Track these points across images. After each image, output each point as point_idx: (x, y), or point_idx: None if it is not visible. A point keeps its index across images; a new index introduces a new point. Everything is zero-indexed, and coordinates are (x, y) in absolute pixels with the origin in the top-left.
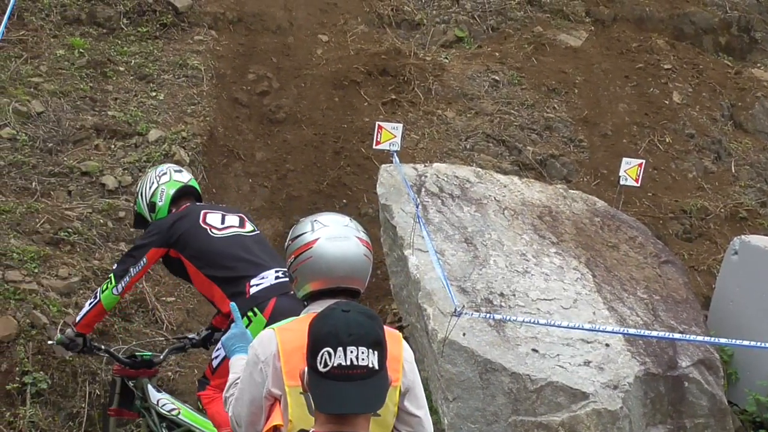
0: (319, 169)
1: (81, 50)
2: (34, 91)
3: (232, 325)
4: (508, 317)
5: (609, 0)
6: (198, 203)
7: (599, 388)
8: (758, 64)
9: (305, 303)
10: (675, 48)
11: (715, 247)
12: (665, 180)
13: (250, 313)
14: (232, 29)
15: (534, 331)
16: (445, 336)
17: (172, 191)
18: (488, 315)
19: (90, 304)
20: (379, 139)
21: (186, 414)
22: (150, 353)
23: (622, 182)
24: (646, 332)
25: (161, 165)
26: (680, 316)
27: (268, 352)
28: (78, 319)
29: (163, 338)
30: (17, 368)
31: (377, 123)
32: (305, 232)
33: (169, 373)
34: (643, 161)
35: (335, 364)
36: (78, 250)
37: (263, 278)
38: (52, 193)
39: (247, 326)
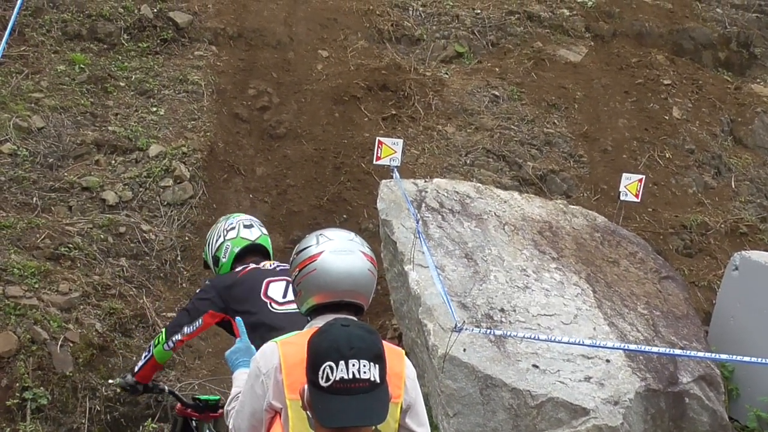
0: (320, 184)
1: (82, 66)
2: (35, 107)
3: (237, 340)
4: (508, 333)
5: (608, 15)
6: (262, 264)
7: (600, 404)
8: (758, 80)
9: (308, 318)
10: (675, 63)
11: (715, 263)
12: (665, 195)
13: None
14: (232, 45)
15: (534, 346)
16: (446, 351)
17: (237, 249)
18: (489, 330)
19: (145, 357)
20: (379, 155)
21: None
22: (216, 397)
23: (622, 197)
24: (647, 348)
25: (233, 217)
26: (681, 332)
27: (270, 365)
28: (136, 369)
29: None
30: (17, 384)
31: (377, 138)
32: (310, 245)
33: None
34: (643, 176)
35: (337, 378)
36: (78, 265)
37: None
38: (52, 208)
39: None
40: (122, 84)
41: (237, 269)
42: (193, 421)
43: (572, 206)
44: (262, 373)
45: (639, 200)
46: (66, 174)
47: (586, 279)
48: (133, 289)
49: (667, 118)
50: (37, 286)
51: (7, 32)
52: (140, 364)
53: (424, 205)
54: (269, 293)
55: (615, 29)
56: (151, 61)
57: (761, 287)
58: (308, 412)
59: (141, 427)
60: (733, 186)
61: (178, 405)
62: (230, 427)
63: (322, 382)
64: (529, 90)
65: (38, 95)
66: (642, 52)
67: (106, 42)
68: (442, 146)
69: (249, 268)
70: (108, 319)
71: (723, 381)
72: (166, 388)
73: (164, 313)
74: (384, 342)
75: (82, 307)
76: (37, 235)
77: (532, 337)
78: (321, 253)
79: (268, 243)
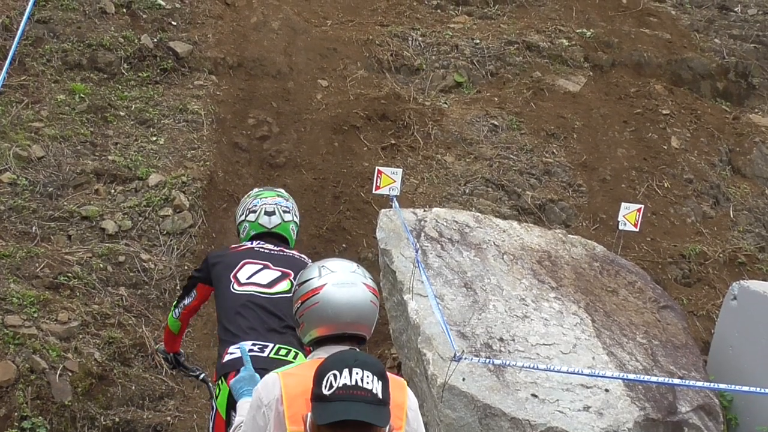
0: (319, 213)
1: (82, 95)
2: (35, 136)
3: (242, 368)
4: (507, 362)
5: (607, 45)
6: (260, 246)
7: None
8: (756, 110)
9: (312, 348)
10: (673, 93)
11: (714, 292)
12: (664, 225)
13: (219, 381)
14: (232, 74)
15: (533, 376)
16: (445, 381)
17: (252, 232)
18: (488, 360)
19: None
20: (378, 184)
21: None
22: None
23: (621, 227)
24: (646, 377)
25: (260, 197)
26: (680, 362)
27: (271, 396)
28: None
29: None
30: (16, 413)
31: (377, 168)
32: (312, 278)
33: (168, 418)
34: (642, 206)
35: (340, 385)
36: (78, 294)
37: (239, 348)
38: (52, 237)
39: (217, 394)
40: (122, 113)
41: (233, 245)
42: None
43: (571, 236)
44: (264, 404)
45: (638, 230)
46: (65, 203)
47: (585, 308)
48: (132, 319)
49: (665, 147)
50: (36, 315)
51: (7, 62)
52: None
53: (423, 234)
54: (238, 273)
55: (614, 59)
56: (151, 91)
57: (760, 317)
58: None
59: None
60: (732, 216)
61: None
62: None
63: (325, 390)
64: (528, 119)
65: (38, 124)
66: (641, 82)
67: (107, 71)
68: (441, 175)
69: (243, 247)
70: (107, 348)
71: (722, 410)
72: (203, 375)
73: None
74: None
75: (81, 336)
76: (37, 264)
77: (531, 366)
78: (323, 285)
79: (287, 230)
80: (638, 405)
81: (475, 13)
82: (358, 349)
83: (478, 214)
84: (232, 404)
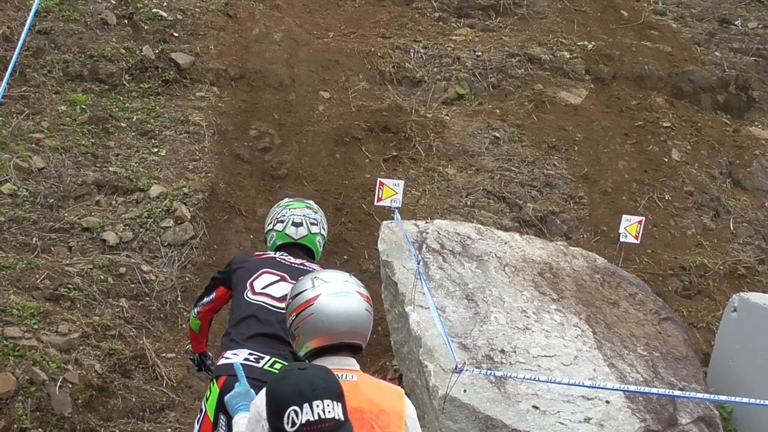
0: None
1: (83, 106)
2: (36, 147)
3: (236, 384)
4: (509, 374)
5: (609, 58)
6: (283, 257)
7: None
8: (756, 123)
9: (307, 361)
10: (674, 106)
11: (714, 304)
12: (665, 237)
13: (211, 382)
14: (234, 86)
15: (535, 387)
16: (446, 392)
17: (279, 242)
18: (489, 372)
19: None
20: (380, 196)
21: None
22: None
23: (622, 239)
24: (647, 389)
25: (289, 208)
26: (680, 373)
27: None
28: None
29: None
30: (15, 425)
31: (379, 179)
32: (306, 289)
33: (169, 430)
34: (643, 218)
35: (303, 422)
36: (78, 306)
37: (235, 354)
38: (52, 248)
39: (208, 395)
40: (123, 125)
41: (258, 252)
42: None
43: (572, 248)
44: (263, 418)
45: (639, 242)
46: (66, 214)
47: (586, 320)
48: (133, 330)
49: (666, 160)
50: (36, 326)
51: (8, 73)
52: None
53: (425, 246)
54: (255, 282)
55: (615, 72)
56: (152, 102)
57: (760, 329)
58: None
59: None
60: (732, 228)
61: None
62: None
63: (288, 427)
64: (530, 132)
65: (39, 135)
66: (642, 95)
67: (108, 83)
68: (443, 187)
69: (267, 255)
70: (107, 360)
71: (722, 422)
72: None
73: (164, 354)
74: (383, 382)
75: (81, 347)
76: (37, 276)
77: (533, 378)
78: (317, 296)
79: (313, 243)
80: (639, 417)
81: (477, 26)
82: (307, 362)
83: (479, 226)
84: (221, 407)
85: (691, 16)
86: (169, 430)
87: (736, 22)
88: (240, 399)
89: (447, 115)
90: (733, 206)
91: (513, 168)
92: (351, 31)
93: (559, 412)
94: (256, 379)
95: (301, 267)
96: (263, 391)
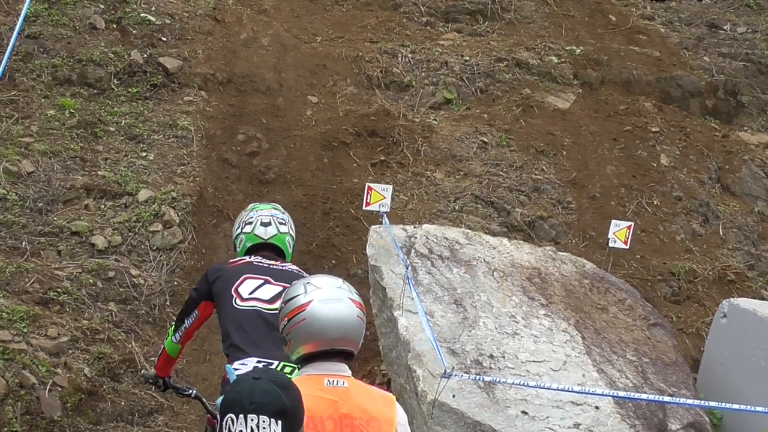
0: (309, 229)
1: (72, 110)
2: (25, 151)
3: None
4: (497, 379)
5: (597, 63)
6: (258, 260)
7: None
8: (745, 128)
9: (299, 366)
10: (662, 111)
11: (703, 310)
12: (653, 242)
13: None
14: (222, 90)
15: (524, 393)
16: (435, 398)
17: (248, 244)
18: (478, 377)
19: (161, 349)
20: (368, 200)
21: None
22: None
23: (610, 244)
24: (636, 395)
25: (256, 210)
26: (670, 379)
27: None
28: (156, 362)
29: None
30: (5, 428)
31: (367, 184)
32: (298, 295)
33: None
34: (632, 223)
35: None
36: (67, 309)
37: (244, 364)
38: (41, 252)
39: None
40: (112, 129)
41: (231, 260)
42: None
43: (561, 253)
44: None
45: (627, 247)
46: (55, 218)
47: (575, 325)
48: (122, 334)
49: (655, 165)
50: (25, 330)
51: None
52: (158, 357)
53: (413, 251)
54: (239, 288)
55: (603, 77)
56: (140, 106)
57: (749, 334)
58: None
59: None
60: (721, 233)
61: (208, 416)
62: None
63: None
64: (518, 136)
65: (28, 140)
66: (630, 100)
67: (96, 87)
68: (431, 192)
69: (242, 261)
70: (96, 363)
71: (712, 428)
72: (194, 391)
73: (153, 358)
74: (374, 388)
75: (70, 351)
76: (26, 280)
77: (522, 383)
78: (310, 302)
79: (282, 242)
80: (628, 422)
81: (465, 30)
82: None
83: (468, 230)
84: None
85: (680, 21)
86: None
87: (724, 27)
88: None
89: (435, 119)
90: (722, 211)
91: (501, 173)
92: (338, 36)
93: (548, 417)
94: None
95: (281, 268)
96: None
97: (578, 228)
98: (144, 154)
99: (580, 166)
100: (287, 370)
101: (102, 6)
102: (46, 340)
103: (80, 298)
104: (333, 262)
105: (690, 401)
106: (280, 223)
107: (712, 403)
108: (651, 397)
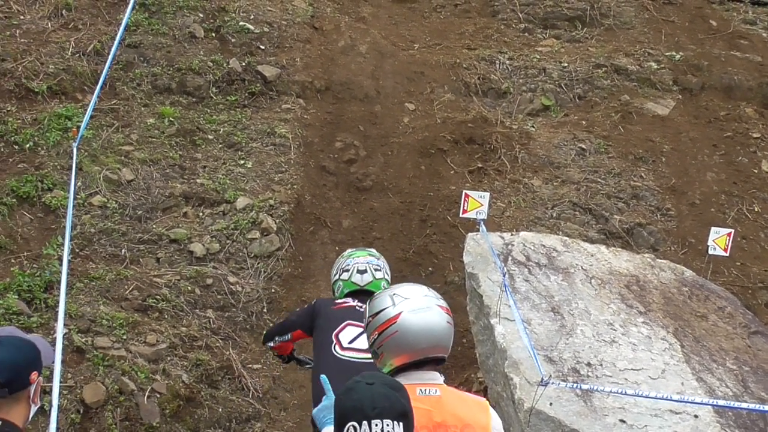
0: (406, 237)
1: (171, 119)
2: (125, 159)
3: (324, 397)
4: (595, 387)
5: (697, 69)
6: (360, 305)
7: None
8: None
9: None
10: (764, 117)
11: None
12: (754, 249)
13: None
14: (319, 98)
15: (621, 401)
16: (532, 405)
17: (346, 290)
18: (575, 385)
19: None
20: (465, 208)
21: None
22: None
23: (710, 252)
24: (736, 404)
25: (352, 257)
26: None
27: None
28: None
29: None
30: None
31: (464, 191)
32: (387, 307)
33: None
34: (732, 231)
35: None
36: (166, 316)
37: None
38: (141, 260)
39: None
40: (210, 137)
41: (338, 301)
42: None
43: (660, 260)
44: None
45: (728, 254)
46: (154, 226)
47: (673, 333)
48: (220, 341)
49: (755, 171)
50: (125, 337)
51: (98, 86)
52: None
53: (510, 258)
54: (340, 335)
55: (703, 82)
56: (239, 114)
57: None
58: None
59: None
60: None
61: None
62: None
63: None
64: (616, 143)
65: (128, 148)
66: (730, 105)
67: (195, 95)
68: (529, 199)
69: (347, 304)
70: (194, 370)
71: None
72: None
73: (250, 365)
74: (467, 394)
75: (169, 358)
76: (126, 287)
77: (619, 391)
78: (400, 313)
79: (378, 287)
80: (728, 431)
81: (563, 37)
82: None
83: (565, 238)
84: None
85: None
86: None
87: None
88: (327, 412)
89: (532, 126)
90: None
91: (599, 179)
92: (436, 43)
93: (646, 426)
94: None
95: None
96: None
97: (677, 235)
98: (242, 161)
99: (680, 172)
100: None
101: (201, 15)
102: (145, 347)
103: (178, 305)
104: (430, 269)
105: None
106: (376, 270)
107: None
108: (752, 406)
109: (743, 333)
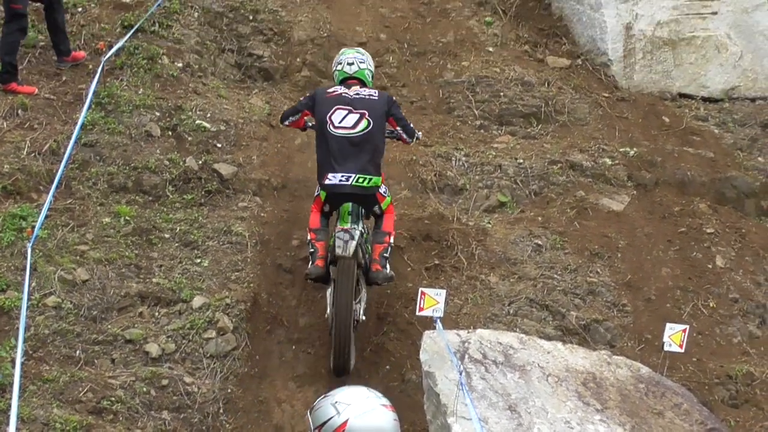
0: (362, 335)
1: (127, 218)
2: (80, 259)
3: None
4: None
5: (651, 164)
6: (345, 91)
7: None
8: None
9: None
10: (717, 212)
11: (762, 414)
12: (710, 345)
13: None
14: (276, 195)
15: None
16: None
17: (341, 78)
18: None
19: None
20: (422, 305)
21: None
22: None
23: (666, 348)
24: None
25: (344, 54)
26: None
27: None
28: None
29: None
30: None
31: (420, 289)
32: (332, 417)
33: None
34: (687, 326)
35: None
36: (120, 419)
37: (334, 176)
38: (95, 361)
39: (318, 193)
40: (167, 236)
41: (330, 89)
42: None
43: (616, 356)
44: None
45: (683, 350)
46: (109, 326)
47: (630, 431)
48: None
49: (710, 266)
50: None
51: (53, 185)
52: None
53: (467, 356)
54: (332, 117)
55: (657, 178)
56: (195, 213)
57: None
58: None
59: None
60: None
61: None
62: None
63: None
64: (572, 239)
65: (83, 247)
66: (684, 201)
67: (152, 194)
68: (486, 296)
69: (336, 92)
70: None
71: None
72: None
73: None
74: None
75: None
76: (80, 389)
77: None
78: (346, 421)
79: (363, 75)
80: None
81: (519, 133)
82: None
83: (522, 335)
84: (327, 198)
85: (733, 122)
86: None
87: None
88: None
89: (489, 222)
90: None
91: (555, 275)
92: None
93: None
94: (348, 193)
95: (359, 96)
96: None
97: (634, 331)
98: (198, 260)
99: (635, 268)
100: (360, 181)
101: (158, 113)
102: None
103: (133, 407)
104: (387, 367)
105: None
106: (360, 62)
107: None
108: None
109: (700, 430)
